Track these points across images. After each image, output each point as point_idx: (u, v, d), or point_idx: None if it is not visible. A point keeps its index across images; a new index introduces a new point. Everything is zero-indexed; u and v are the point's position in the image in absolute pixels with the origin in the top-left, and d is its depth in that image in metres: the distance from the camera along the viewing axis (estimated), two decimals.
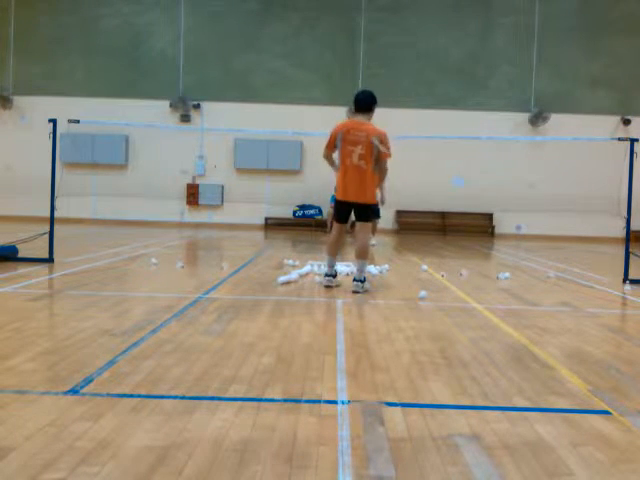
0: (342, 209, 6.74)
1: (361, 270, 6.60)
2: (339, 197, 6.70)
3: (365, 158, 6.47)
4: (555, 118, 19.66)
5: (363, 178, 6.51)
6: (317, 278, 7.27)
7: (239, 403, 2.90)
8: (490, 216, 20.25)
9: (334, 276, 6.83)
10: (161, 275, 7.60)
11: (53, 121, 7.98)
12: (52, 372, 3.31)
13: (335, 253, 6.82)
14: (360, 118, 6.62)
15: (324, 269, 7.93)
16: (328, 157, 6.78)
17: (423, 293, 6.27)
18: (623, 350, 4.45)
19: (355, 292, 6.44)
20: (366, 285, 6.63)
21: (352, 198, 6.58)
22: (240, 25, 20.09)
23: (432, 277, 8.11)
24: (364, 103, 6.62)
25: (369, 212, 6.72)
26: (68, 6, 20.07)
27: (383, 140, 6.53)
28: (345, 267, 8.03)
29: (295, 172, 19.93)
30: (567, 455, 2.41)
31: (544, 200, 19.65)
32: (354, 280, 6.57)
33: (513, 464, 2.32)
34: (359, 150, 6.44)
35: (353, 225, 7.03)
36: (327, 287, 6.74)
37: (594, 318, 5.50)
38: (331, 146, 6.66)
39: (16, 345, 3.84)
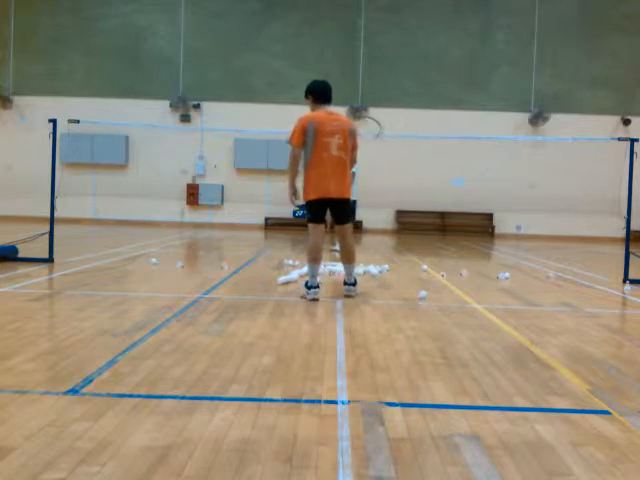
0: (319, 208, 6.06)
1: (351, 273, 6.21)
2: (315, 196, 5.98)
3: (344, 149, 5.97)
4: (555, 118, 19.67)
5: (343, 170, 6.00)
6: (310, 294, 5.99)
7: (239, 403, 2.90)
8: (490, 216, 20.26)
9: (318, 287, 6.05)
10: (161, 275, 7.60)
11: (53, 121, 7.98)
12: (52, 372, 3.31)
13: (320, 259, 6.12)
14: (326, 108, 6.12)
15: (323, 269, 7.88)
16: (298, 157, 6.00)
17: (423, 293, 6.27)
18: (623, 350, 4.45)
19: (348, 296, 6.12)
20: (357, 288, 6.31)
21: (333, 194, 5.96)
22: (240, 25, 20.10)
23: (432, 277, 8.11)
24: (330, 93, 6.16)
25: (349, 210, 6.25)
26: (68, 6, 20.08)
27: (355, 130, 6.22)
28: (341, 267, 7.92)
29: None
30: (567, 455, 2.41)
31: (544, 200, 19.67)
32: (345, 284, 6.21)
33: (513, 464, 2.32)
34: (336, 140, 5.92)
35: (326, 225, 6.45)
36: (314, 300, 5.90)
37: (594, 318, 5.49)
38: (301, 140, 5.93)
39: (16, 345, 3.84)
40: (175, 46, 20.23)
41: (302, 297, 6.04)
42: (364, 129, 6.65)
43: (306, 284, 6.05)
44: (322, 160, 5.91)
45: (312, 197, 6.00)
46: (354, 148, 6.15)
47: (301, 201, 6.18)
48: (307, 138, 5.92)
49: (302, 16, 20.10)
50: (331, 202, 6.04)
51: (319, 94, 6.09)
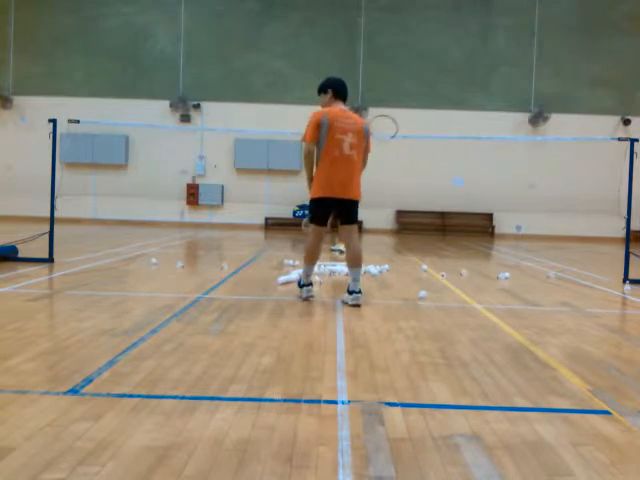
0: (325, 209, 5.79)
1: (357, 279, 5.76)
2: (323, 194, 5.71)
3: (357, 148, 5.73)
4: (555, 118, 19.67)
5: (353, 170, 5.74)
6: (304, 293, 5.93)
7: (239, 403, 2.90)
8: (490, 216, 20.26)
9: (312, 284, 6.02)
10: (161, 275, 7.60)
11: (53, 121, 7.98)
12: (52, 372, 3.31)
13: (316, 261, 5.97)
14: (342, 105, 5.87)
15: (324, 269, 7.90)
16: (312, 153, 5.73)
17: (423, 293, 6.27)
18: (623, 350, 4.45)
19: (356, 305, 5.66)
20: (363, 296, 5.85)
21: (342, 194, 5.71)
22: (240, 25, 20.11)
23: (432, 277, 8.11)
24: (346, 90, 5.96)
25: (356, 211, 5.90)
26: (68, 6, 20.09)
27: (369, 131, 6.00)
28: (341, 267, 7.92)
29: (295, 172, 19.94)
30: (567, 455, 2.41)
31: (544, 200, 19.68)
32: (351, 292, 5.71)
33: (513, 464, 2.32)
34: (349, 139, 5.68)
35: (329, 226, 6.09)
36: (307, 299, 5.87)
37: (594, 318, 5.49)
38: (315, 136, 5.67)
39: (16, 345, 3.84)
40: (175, 46, 20.23)
41: (299, 297, 5.93)
42: (378, 130, 6.43)
43: (299, 283, 6.00)
44: (334, 158, 5.66)
45: (319, 195, 5.74)
46: (367, 150, 5.92)
47: None
48: (320, 134, 5.66)
49: (302, 16, 20.11)
50: (338, 202, 5.76)
51: (339, 89, 5.89)
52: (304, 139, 5.74)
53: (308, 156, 5.75)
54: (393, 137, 6.78)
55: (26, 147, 19.35)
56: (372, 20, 20.06)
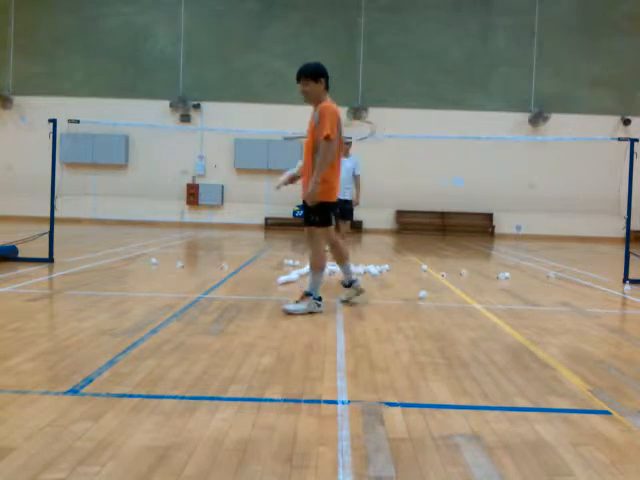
0: (333, 211, 5.49)
1: (350, 271, 5.80)
2: (334, 199, 5.38)
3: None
4: (555, 118, 19.67)
5: None
6: (321, 308, 5.33)
7: (239, 403, 2.90)
8: (490, 216, 20.26)
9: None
10: (161, 275, 7.60)
11: (53, 121, 7.98)
12: (52, 372, 3.31)
13: (325, 266, 5.63)
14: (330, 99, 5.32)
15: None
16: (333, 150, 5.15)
17: (423, 293, 6.27)
18: (623, 350, 4.45)
19: (361, 291, 5.79)
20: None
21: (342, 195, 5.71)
22: (240, 25, 20.10)
23: (432, 277, 8.11)
24: None
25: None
26: (68, 6, 20.08)
27: None
28: (355, 268, 7.62)
29: None
30: (567, 455, 2.41)
31: (544, 200, 19.68)
32: (350, 284, 5.76)
33: (513, 464, 2.32)
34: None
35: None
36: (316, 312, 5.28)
37: (594, 318, 5.49)
38: (337, 131, 5.12)
39: (16, 345, 3.84)
40: (175, 46, 20.23)
41: (310, 312, 5.23)
42: (360, 131, 6.31)
43: (313, 296, 5.28)
44: (340, 160, 5.34)
45: (332, 199, 5.33)
46: None
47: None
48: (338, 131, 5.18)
49: (302, 16, 20.11)
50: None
51: (327, 79, 5.23)
52: (330, 135, 5.06)
53: (332, 152, 5.13)
54: (365, 138, 6.65)
55: (26, 147, 19.35)
56: (372, 20, 20.06)
